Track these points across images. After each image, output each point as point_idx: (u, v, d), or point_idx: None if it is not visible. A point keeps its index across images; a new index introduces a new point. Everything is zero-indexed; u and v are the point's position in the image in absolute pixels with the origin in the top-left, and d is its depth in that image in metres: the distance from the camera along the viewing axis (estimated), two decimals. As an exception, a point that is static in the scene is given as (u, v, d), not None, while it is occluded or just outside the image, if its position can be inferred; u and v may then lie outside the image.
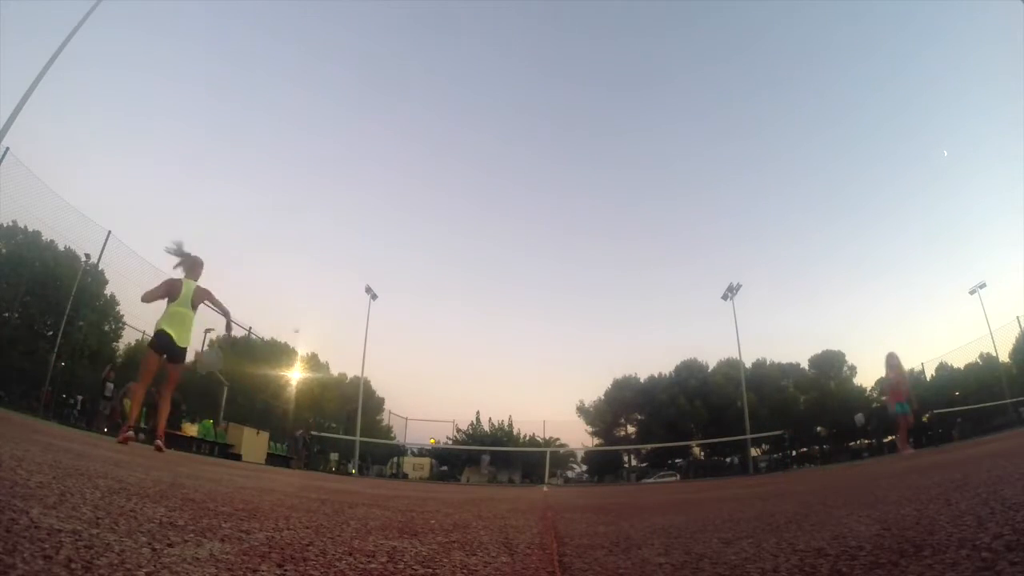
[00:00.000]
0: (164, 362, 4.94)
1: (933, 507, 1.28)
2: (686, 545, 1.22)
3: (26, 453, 1.83)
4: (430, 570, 0.95)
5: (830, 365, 40.02)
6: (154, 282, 5.30)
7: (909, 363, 38.52)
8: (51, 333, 16.47)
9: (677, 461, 38.37)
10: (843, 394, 36.92)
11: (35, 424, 5.41)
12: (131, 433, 4.56)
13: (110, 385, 12.78)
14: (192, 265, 5.17)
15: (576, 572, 1.00)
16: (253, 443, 14.87)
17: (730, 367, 37.48)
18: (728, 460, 36.87)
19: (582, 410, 42.56)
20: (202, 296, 5.16)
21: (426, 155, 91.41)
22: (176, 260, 5.15)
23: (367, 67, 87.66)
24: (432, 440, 33.57)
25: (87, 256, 13.77)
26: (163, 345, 4.87)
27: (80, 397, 14.88)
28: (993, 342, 23.91)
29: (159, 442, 4.63)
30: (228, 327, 5.60)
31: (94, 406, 12.71)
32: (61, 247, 17.33)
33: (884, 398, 10.26)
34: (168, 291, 4.99)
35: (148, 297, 5.05)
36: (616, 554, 1.18)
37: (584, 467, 41.14)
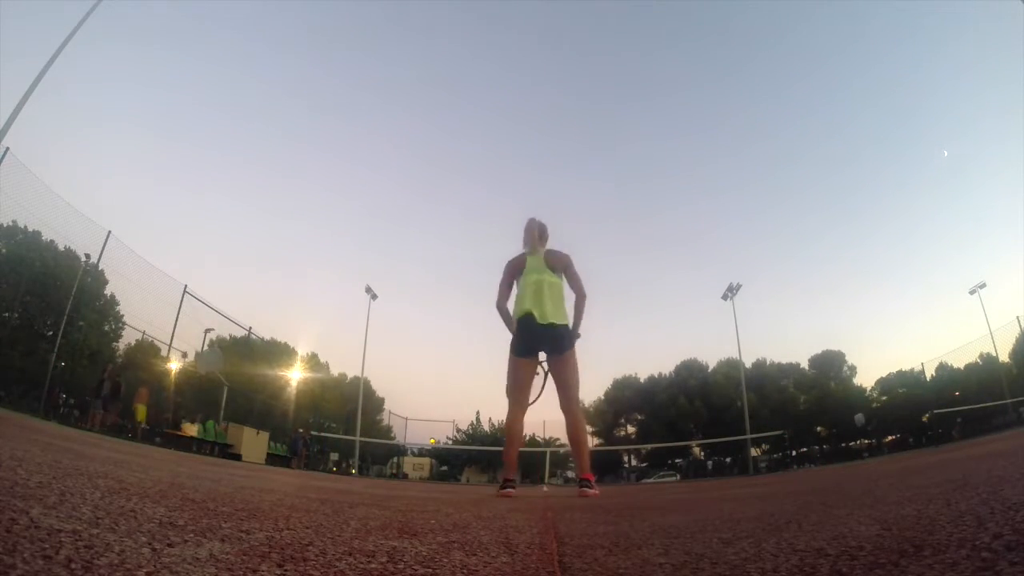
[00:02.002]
0: (536, 365, 3.59)
1: (933, 507, 1.28)
2: (686, 545, 1.22)
3: (26, 453, 1.84)
4: (430, 570, 0.95)
5: (830, 365, 40.06)
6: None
7: (909, 363, 38.76)
8: (51, 333, 16.47)
9: (677, 461, 38.39)
10: (843, 394, 36.95)
11: (35, 424, 5.41)
12: (509, 489, 3.43)
13: (106, 386, 12.80)
14: (535, 233, 3.78)
15: (576, 572, 1.00)
16: (253, 443, 14.88)
17: (730, 367, 37.50)
18: (728, 460, 36.88)
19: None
20: (563, 261, 3.70)
21: (426, 154, 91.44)
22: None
23: (367, 66, 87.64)
24: (432, 440, 33.61)
25: (87, 256, 13.78)
26: (529, 338, 3.46)
27: (84, 397, 14.90)
28: (993, 342, 23.97)
29: (584, 489, 3.32)
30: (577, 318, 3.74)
31: (91, 405, 12.73)
32: (61, 247, 17.34)
33: None
34: (511, 273, 3.77)
35: (499, 300, 3.79)
36: (616, 554, 1.18)
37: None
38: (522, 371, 3.53)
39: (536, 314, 3.42)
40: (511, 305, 3.75)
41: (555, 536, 1.49)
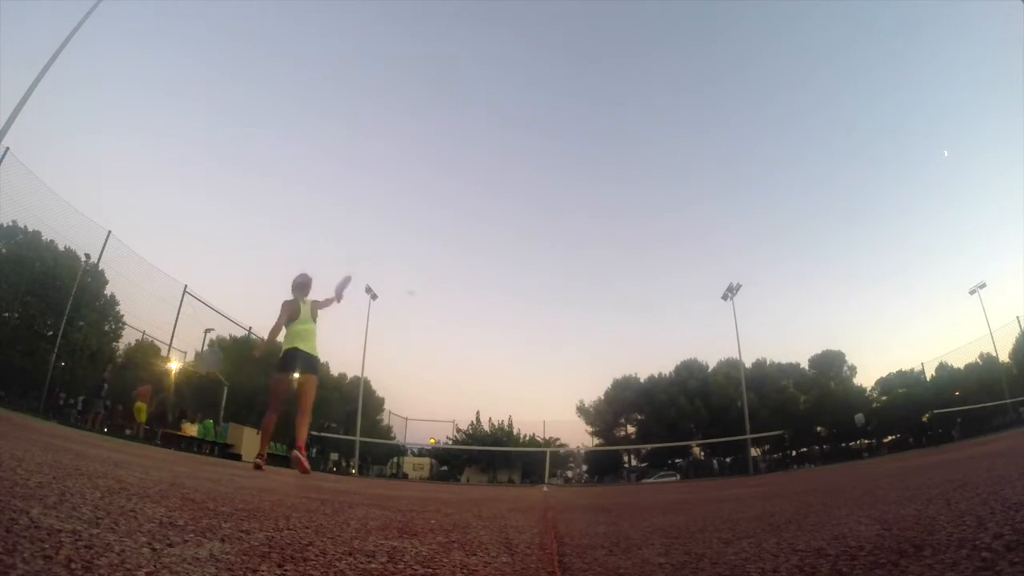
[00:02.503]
0: (294, 381, 5.15)
1: (933, 507, 1.28)
2: (686, 545, 1.22)
3: (26, 453, 1.83)
4: (430, 570, 0.95)
5: (830, 365, 40.01)
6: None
7: (909, 363, 38.76)
8: (51, 333, 16.44)
9: (677, 461, 38.36)
10: (843, 394, 36.91)
11: (35, 424, 5.41)
12: (259, 460, 4.66)
13: (106, 386, 12.80)
14: (302, 284, 5.40)
15: (576, 572, 1.00)
16: (253, 443, 14.85)
17: (730, 367, 37.47)
18: (728, 460, 36.87)
19: (582, 410, 42.56)
20: (315, 308, 5.36)
21: (427, 151, 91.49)
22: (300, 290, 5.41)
23: (367, 65, 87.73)
24: (432, 440, 33.60)
25: (87, 256, 13.79)
26: (294, 362, 5.01)
27: (81, 397, 14.88)
28: (993, 342, 23.96)
29: (297, 454, 4.66)
30: (341, 286, 5.63)
31: (93, 405, 12.72)
32: (61, 247, 17.32)
33: None
34: (288, 314, 5.22)
35: (275, 331, 5.26)
36: (616, 554, 1.18)
37: (584, 467, 41.18)
38: (284, 385, 5.10)
39: (304, 348, 5.09)
40: (282, 338, 5.27)
41: (555, 536, 1.49)
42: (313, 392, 5.13)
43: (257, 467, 4.45)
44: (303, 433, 4.91)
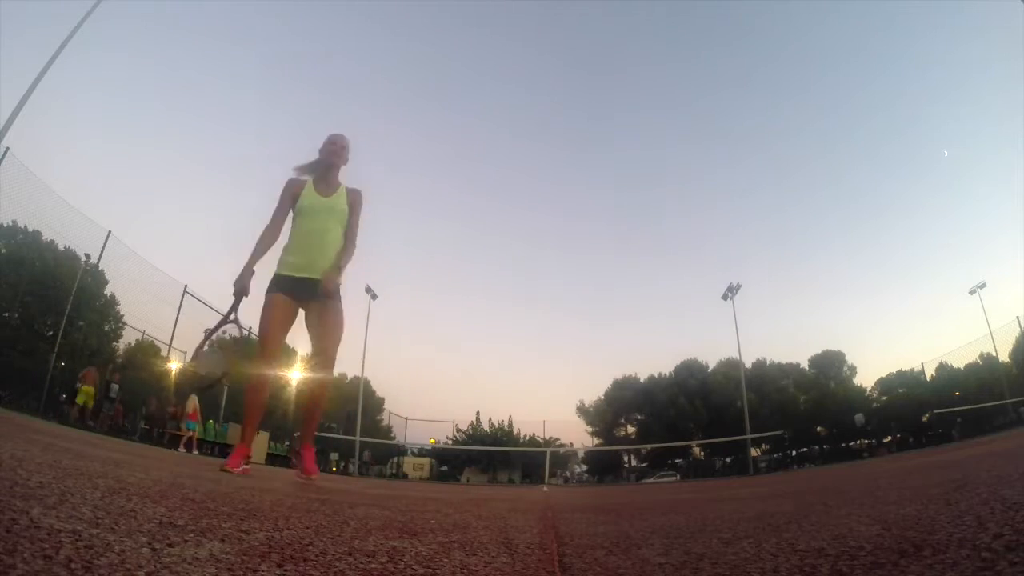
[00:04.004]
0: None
1: (933, 507, 1.28)
2: (686, 545, 1.22)
3: (26, 453, 1.83)
4: (430, 570, 0.95)
5: (830, 365, 39.99)
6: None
7: (909, 363, 38.71)
8: (51, 333, 16.44)
9: (677, 461, 38.35)
10: (843, 394, 36.90)
11: (35, 424, 5.41)
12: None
13: (115, 386, 12.79)
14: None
15: (576, 572, 1.00)
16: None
17: (730, 367, 37.44)
18: (728, 460, 36.85)
19: (582, 410, 42.57)
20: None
21: (427, 151, 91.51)
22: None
23: (367, 62, 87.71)
24: (432, 440, 33.59)
25: (87, 256, 13.81)
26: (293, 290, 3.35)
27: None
28: (993, 342, 23.96)
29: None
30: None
31: (97, 407, 12.70)
32: (61, 247, 17.33)
33: None
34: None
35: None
36: (616, 554, 1.18)
37: (584, 467, 41.15)
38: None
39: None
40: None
41: (555, 536, 1.49)
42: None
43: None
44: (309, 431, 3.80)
